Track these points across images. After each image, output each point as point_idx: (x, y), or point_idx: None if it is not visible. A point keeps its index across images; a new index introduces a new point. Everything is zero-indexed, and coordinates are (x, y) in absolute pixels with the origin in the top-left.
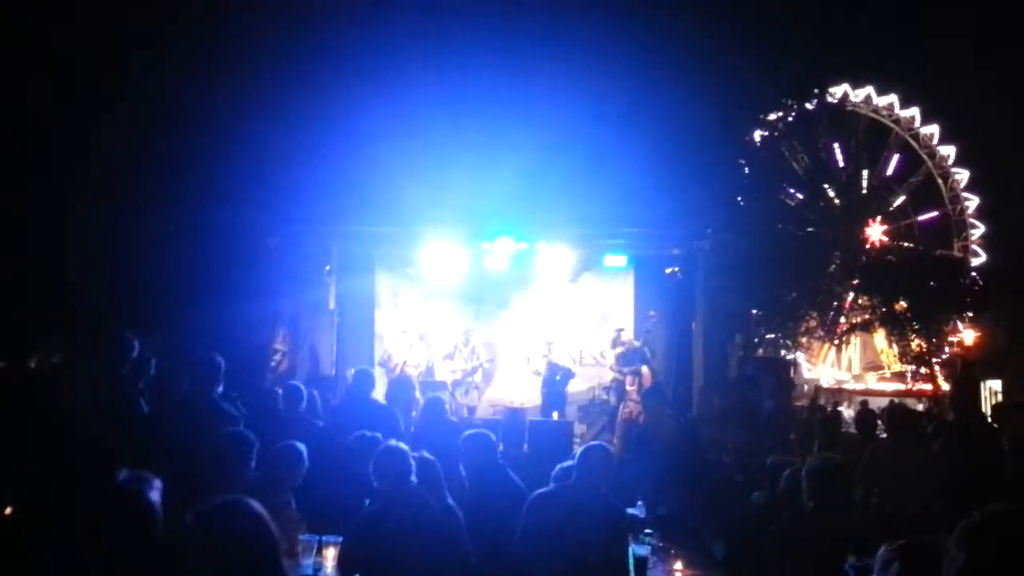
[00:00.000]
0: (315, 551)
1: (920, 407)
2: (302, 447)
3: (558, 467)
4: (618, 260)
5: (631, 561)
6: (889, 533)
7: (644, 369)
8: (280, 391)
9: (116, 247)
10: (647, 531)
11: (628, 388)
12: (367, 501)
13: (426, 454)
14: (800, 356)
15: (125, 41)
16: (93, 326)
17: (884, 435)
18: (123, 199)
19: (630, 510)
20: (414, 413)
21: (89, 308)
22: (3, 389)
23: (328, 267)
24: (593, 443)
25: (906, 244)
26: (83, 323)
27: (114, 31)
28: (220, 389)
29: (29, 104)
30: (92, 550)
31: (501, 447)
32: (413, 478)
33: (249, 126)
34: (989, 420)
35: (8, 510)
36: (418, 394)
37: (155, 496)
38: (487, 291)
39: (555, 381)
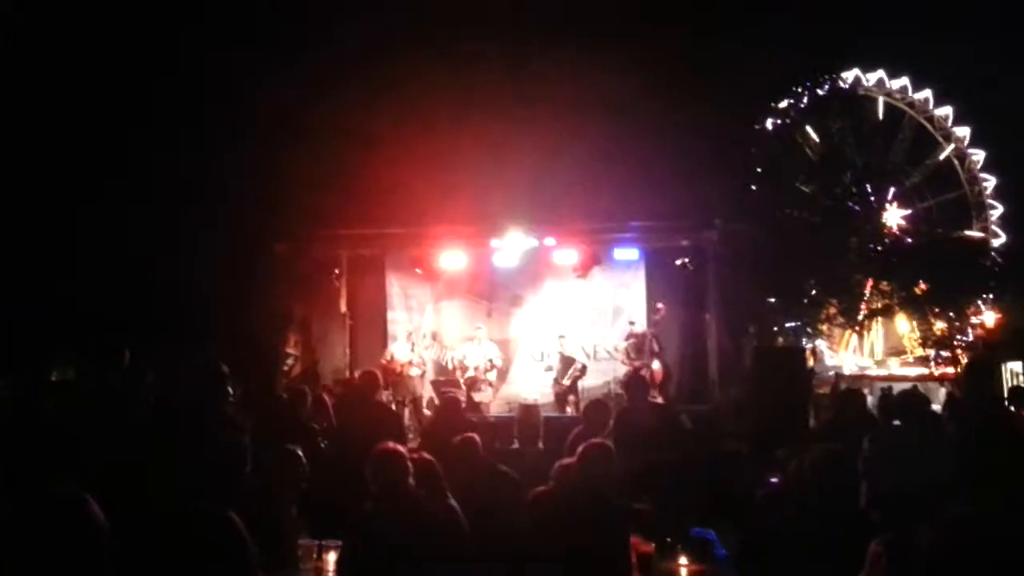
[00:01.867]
0: (315, 556)
1: (943, 391)
2: (300, 451)
3: (557, 464)
4: (628, 253)
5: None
6: (892, 521)
7: (655, 365)
8: (285, 396)
9: (126, 257)
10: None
11: None
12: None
13: (425, 455)
14: (822, 344)
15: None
16: (94, 339)
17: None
18: (131, 206)
19: (637, 506)
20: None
21: (96, 322)
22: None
23: (337, 270)
24: (593, 440)
25: (924, 227)
26: (88, 337)
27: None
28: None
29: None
30: (35, 567)
31: (516, 444)
32: (411, 480)
33: (253, 133)
34: (1006, 403)
35: None
36: (428, 393)
37: (95, 509)
38: (498, 289)
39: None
